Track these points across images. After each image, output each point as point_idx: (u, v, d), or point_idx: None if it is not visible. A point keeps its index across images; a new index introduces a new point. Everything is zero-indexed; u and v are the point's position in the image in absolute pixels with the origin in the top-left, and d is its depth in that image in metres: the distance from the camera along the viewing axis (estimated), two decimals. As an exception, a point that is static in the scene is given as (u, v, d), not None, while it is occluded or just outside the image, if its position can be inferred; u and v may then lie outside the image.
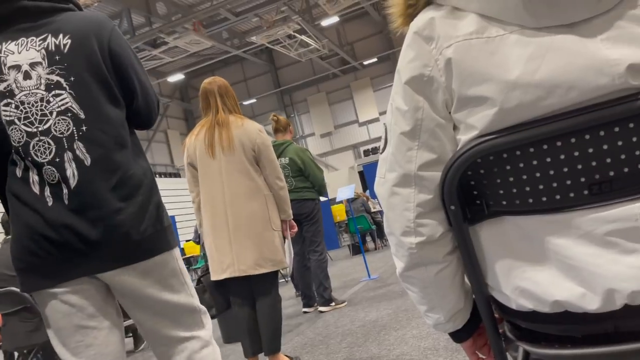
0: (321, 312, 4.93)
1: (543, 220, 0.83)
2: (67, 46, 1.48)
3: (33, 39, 1.48)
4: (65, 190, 1.44)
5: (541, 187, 0.82)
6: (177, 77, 19.13)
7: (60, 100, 1.46)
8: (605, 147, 0.77)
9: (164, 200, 1.63)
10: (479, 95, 0.81)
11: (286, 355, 3.20)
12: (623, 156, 0.77)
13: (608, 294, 0.77)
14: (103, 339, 1.51)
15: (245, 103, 21.75)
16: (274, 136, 5.01)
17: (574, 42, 0.77)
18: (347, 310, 4.73)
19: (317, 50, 18.06)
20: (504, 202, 0.86)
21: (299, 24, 15.21)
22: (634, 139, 0.76)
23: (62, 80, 1.46)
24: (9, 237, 3.66)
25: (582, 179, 0.79)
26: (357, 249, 11.05)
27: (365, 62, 20.76)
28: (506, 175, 0.85)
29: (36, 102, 1.45)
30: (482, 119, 0.82)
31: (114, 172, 1.47)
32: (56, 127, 1.45)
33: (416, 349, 2.96)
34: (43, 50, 1.47)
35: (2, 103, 1.44)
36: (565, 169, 0.80)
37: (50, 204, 1.43)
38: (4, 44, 1.47)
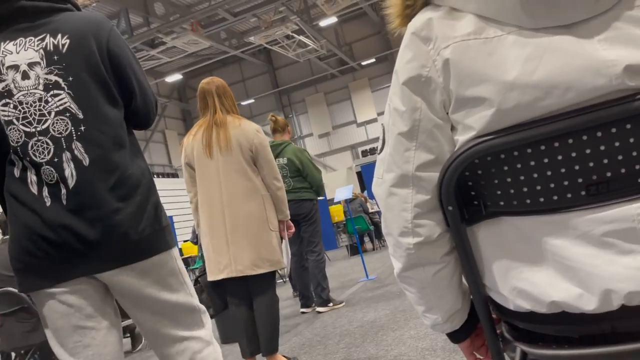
0: (319, 312, 4.92)
1: (540, 220, 0.83)
2: (66, 46, 1.48)
3: (31, 39, 1.47)
4: (63, 191, 1.44)
5: (539, 187, 0.82)
6: (175, 78, 19.12)
7: (59, 100, 1.46)
8: (602, 148, 0.77)
9: (161, 200, 1.64)
10: (477, 96, 0.81)
11: (284, 356, 3.20)
12: (620, 157, 0.77)
13: (605, 295, 0.78)
14: (101, 339, 1.50)
15: (243, 103, 21.74)
16: (272, 136, 5.01)
17: (572, 43, 0.77)
18: (345, 310, 4.73)
19: (315, 51, 18.07)
20: (502, 203, 0.86)
21: (297, 25, 15.21)
22: (631, 140, 0.76)
23: (60, 80, 1.46)
24: (7, 237, 3.66)
25: (580, 180, 0.79)
26: (355, 250, 11.05)
27: (364, 63, 20.77)
28: (504, 175, 0.85)
29: (34, 102, 1.45)
30: (479, 119, 0.82)
31: (113, 172, 1.47)
32: (54, 127, 1.45)
33: (414, 349, 2.97)
34: (41, 50, 1.47)
35: (0, 103, 1.44)
36: (563, 170, 0.80)
37: (48, 204, 1.43)
38: (2, 44, 1.47)
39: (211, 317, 4.22)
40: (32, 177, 1.45)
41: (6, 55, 1.46)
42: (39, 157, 1.44)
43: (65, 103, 1.46)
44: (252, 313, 3.09)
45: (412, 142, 0.89)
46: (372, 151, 20.50)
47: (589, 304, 0.79)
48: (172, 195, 15.62)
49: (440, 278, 0.95)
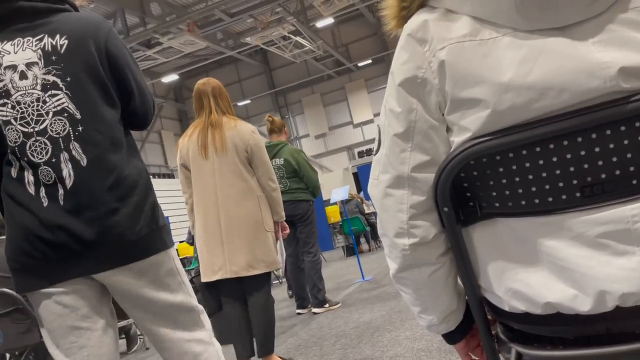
0: (315, 313, 4.92)
1: (535, 222, 0.83)
2: (64, 47, 1.48)
3: (29, 39, 1.47)
4: (61, 191, 1.43)
5: (534, 189, 0.83)
6: (171, 78, 19.08)
7: (57, 101, 1.46)
8: (597, 149, 0.78)
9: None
10: (472, 98, 0.82)
11: (280, 357, 3.20)
12: (615, 159, 0.78)
13: (600, 296, 0.78)
14: (96, 340, 1.50)
15: (239, 104, 21.71)
16: (268, 137, 5.01)
17: (566, 45, 0.78)
18: (340, 311, 4.73)
19: (312, 52, 18.06)
20: (497, 204, 0.87)
21: (294, 25, 15.19)
22: (626, 142, 0.77)
23: (58, 80, 1.46)
24: (3, 237, 3.64)
25: (574, 181, 0.80)
26: (351, 251, 11.06)
27: (360, 64, 20.77)
28: (499, 177, 0.85)
29: (32, 102, 1.45)
30: (475, 121, 0.82)
31: (110, 173, 1.47)
32: (52, 127, 1.45)
33: (410, 350, 2.97)
34: (39, 51, 1.47)
35: None
36: (558, 171, 0.80)
37: (45, 204, 1.43)
38: (0, 44, 1.47)
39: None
40: (29, 177, 1.44)
41: (4, 55, 1.46)
42: (37, 157, 1.44)
43: (63, 103, 1.46)
44: (246, 314, 3.09)
45: (408, 143, 0.89)
46: (369, 152, 20.49)
47: (584, 305, 0.80)
48: (168, 196, 15.58)
49: (436, 279, 0.95)
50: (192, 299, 1.63)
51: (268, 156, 3.18)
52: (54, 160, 1.44)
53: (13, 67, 1.45)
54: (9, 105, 1.44)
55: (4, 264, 1.48)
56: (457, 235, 0.91)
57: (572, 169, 0.79)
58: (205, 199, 3.04)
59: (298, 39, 16.62)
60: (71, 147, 1.45)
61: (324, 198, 13.58)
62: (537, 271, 0.84)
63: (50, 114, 1.45)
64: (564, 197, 0.81)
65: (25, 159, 1.44)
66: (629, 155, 0.77)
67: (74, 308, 1.47)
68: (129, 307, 1.55)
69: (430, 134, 0.88)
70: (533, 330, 0.89)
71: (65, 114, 1.46)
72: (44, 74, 1.46)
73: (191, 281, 4.84)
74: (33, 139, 1.44)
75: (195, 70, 20.42)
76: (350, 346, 3.40)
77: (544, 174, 0.81)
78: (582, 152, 0.78)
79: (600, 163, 0.78)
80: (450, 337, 1.03)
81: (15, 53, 1.46)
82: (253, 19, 15.39)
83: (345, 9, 16.81)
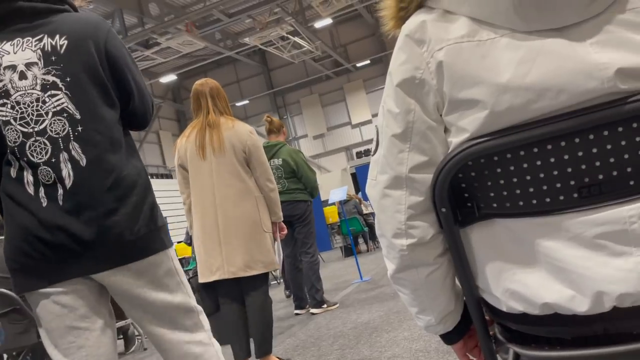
0: (313, 314, 4.92)
1: (533, 222, 0.83)
2: (64, 47, 1.48)
3: (29, 40, 1.47)
4: (60, 191, 1.43)
5: (531, 190, 0.83)
6: (169, 78, 19.06)
7: (56, 101, 1.46)
8: (594, 150, 0.78)
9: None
10: (470, 98, 0.82)
11: (278, 357, 3.20)
12: (612, 159, 0.78)
13: (597, 297, 0.78)
14: (95, 341, 1.50)
15: (238, 104, 21.70)
16: (267, 137, 5.01)
17: (564, 46, 0.78)
18: (338, 312, 4.73)
19: (310, 52, 18.07)
20: (495, 205, 0.87)
21: (292, 26, 15.19)
22: (623, 143, 0.77)
23: (58, 80, 1.46)
24: (2, 237, 3.63)
25: (572, 182, 0.80)
26: (349, 251, 11.06)
27: (358, 64, 20.78)
28: (497, 178, 0.85)
29: (32, 103, 1.45)
30: (473, 121, 0.83)
31: (110, 173, 1.47)
32: (52, 127, 1.45)
33: (408, 350, 2.97)
34: (39, 51, 1.47)
35: None
36: (555, 172, 0.80)
37: (44, 204, 1.43)
38: None
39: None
40: (28, 177, 1.44)
41: (3, 55, 1.46)
42: (37, 157, 1.44)
43: (62, 103, 1.46)
44: (244, 315, 3.08)
45: (406, 143, 0.89)
46: (367, 152, 20.49)
47: (581, 306, 0.80)
48: (166, 197, 15.56)
49: (434, 279, 0.95)
50: (191, 300, 1.63)
51: (266, 156, 3.18)
52: (53, 160, 1.44)
53: (12, 67, 1.45)
54: (9, 106, 1.44)
55: (3, 264, 1.48)
56: (454, 235, 0.91)
57: (569, 169, 0.80)
58: (203, 200, 3.03)
59: (296, 39, 16.63)
60: (71, 147, 1.45)
61: (322, 198, 13.60)
62: (534, 272, 0.84)
63: (50, 114, 1.45)
64: (561, 197, 0.81)
65: (25, 159, 1.44)
66: (626, 156, 0.77)
67: (72, 308, 1.47)
68: (128, 307, 1.55)
69: (428, 135, 0.88)
70: (531, 330, 0.89)
71: (65, 114, 1.46)
72: (44, 74, 1.46)
73: (189, 281, 4.84)
74: (32, 139, 1.44)
75: (193, 71, 20.41)
76: (348, 347, 3.40)
77: (542, 175, 0.81)
78: (580, 153, 0.79)
79: (597, 164, 0.78)
80: (448, 338, 1.03)
81: (15, 53, 1.46)
82: (251, 20, 15.39)
83: (344, 10, 16.82)
